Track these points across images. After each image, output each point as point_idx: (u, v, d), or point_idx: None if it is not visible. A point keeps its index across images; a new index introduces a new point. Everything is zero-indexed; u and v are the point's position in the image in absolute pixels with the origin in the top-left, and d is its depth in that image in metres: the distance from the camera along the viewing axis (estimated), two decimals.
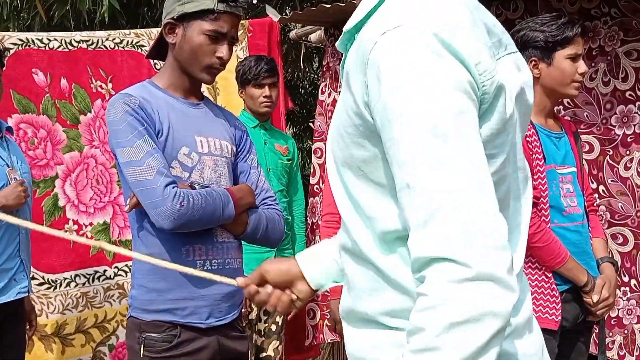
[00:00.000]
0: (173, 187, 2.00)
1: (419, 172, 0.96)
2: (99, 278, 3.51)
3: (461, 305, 0.90)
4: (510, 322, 1.05)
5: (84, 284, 3.47)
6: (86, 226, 3.47)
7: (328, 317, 3.71)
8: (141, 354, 2.09)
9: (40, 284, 3.33)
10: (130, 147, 2.03)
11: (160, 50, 2.27)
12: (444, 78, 0.99)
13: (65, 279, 3.42)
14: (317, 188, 4.13)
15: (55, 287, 3.38)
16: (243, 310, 2.38)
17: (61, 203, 3.39)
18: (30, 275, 3.23)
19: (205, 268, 2.12)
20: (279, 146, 3.54)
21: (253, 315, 3.43)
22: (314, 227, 4.02)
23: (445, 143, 0.95)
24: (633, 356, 3.27)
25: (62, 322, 3.38)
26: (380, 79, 1.02)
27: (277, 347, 3.53)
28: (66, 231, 3.38)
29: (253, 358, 3.48)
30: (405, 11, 1.07)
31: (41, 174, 3.33)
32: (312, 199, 4.07)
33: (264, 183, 2.31)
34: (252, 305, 3.39)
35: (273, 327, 3.52)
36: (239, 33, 3.79)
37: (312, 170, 4.22)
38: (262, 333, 3.52)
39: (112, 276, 3.53)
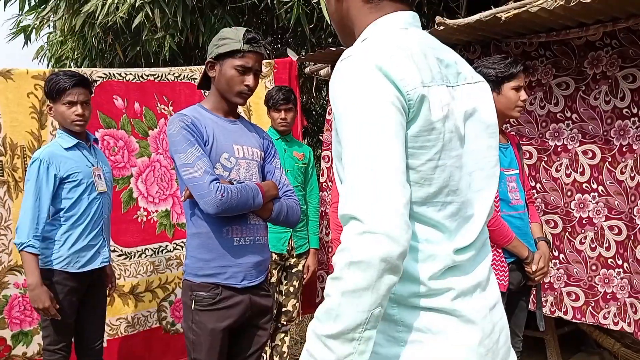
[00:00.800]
0: (216, 183, 2.00)
1: (348, 165, 1.01)
2: (162, 251, 3.51)
3: (357, 250, 0.95)
4: (455, 286, 1.08)
5: (151, 255, 3.47)
6: (153, 212, 3.47)
7: None
8: (192, 307, 2.09)
9: (120, 255, 3.33)
10: (185, 153, 2.03)
11: (206, 82, 2.27)
12: (375, 94, 1.03)
13: (137, 251, 3.42)
14: (325, 185, 4.12)
15: (131, 258, 3.39)
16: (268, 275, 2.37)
17: (135, 195, 3.39)
18: (112, 249, 3.26)
19: (240, 243, 2.12)
20: (297, 153, 3.53)
21: (274, 280, 3.43)
22: (322, 214, 4.01)
23: (363, 148, 1.00)
24: (561, 311, 3.28)
25: (136, 284, 3.39)
26: (333, 96, 1.08)
27: (295, 304, 3.53)
28: (138, 216, 3.40)
29: (276, 312, 3.48)
30: (360, 47, 1.10)
31: (120, 174, 3.34)
32: (321, 193, 4.07)
33: (285, 180, 2.31)
34: (273, 271, 3.39)
35: (291, 289, 3.51)
36: (267, 69, 3.82)
37: (321, 172, 4.21)
38: (283, 293, 3.51)
39: (171, 250, 3.54)
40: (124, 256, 3.36)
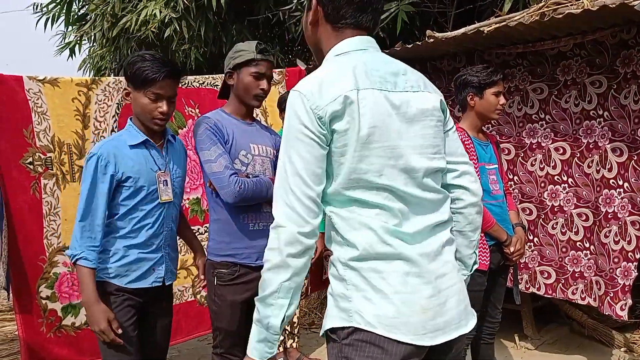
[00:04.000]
0: (235, 177, 2.02)
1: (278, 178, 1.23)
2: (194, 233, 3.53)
3: (270, 240, 1.19)
4: (406, 254, 1.16)
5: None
6: (185, 200, 3.48)
7: None
8: (215, 283, 2.12)
9: None
10: (208, 151, 2.05)
11: (225, 90, 2.29)
12: (297, 120, 1.17)
13: None
14: None
15: None
16: None
17: None
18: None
19: (255, 228, 2.13)
20: None
21: None
22: None
23: (288, 165, 1.21)
24: (535, 287, 3.29)
25: None
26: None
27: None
28: None
29: None
30: (305, 79, 1.22)
31: None
32: None
33: None
34: None
35: None
36: (279, 77, 3.82)
37: None
38: None
39: (202, 232, 3.54)
40: None
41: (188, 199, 3.48)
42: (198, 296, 3.48)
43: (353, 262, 1.16)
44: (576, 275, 3.14)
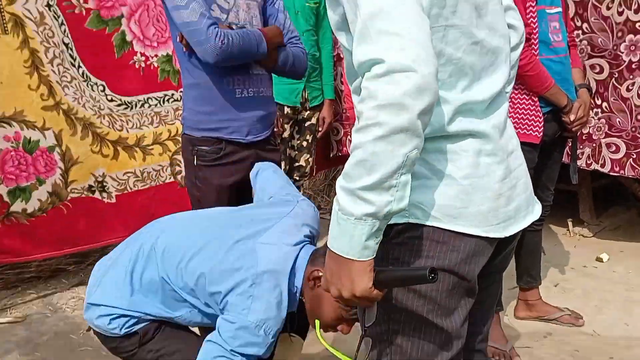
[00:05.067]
0: (215, 28, 1.93)
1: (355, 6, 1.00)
2: (168, 100, 3.48)
3: (384, 92, 0.93)
4: (469, 128, 1.12)
5: (155, 105, 3.45)
6: (152, 57, 3.40)
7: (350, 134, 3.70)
8: (195, 162, 2.12)
9: (119, 105, 3.31)
10: None
11: None
12: None
13: (139, 101, 3.40)
14: None
15: (132, 107, 3.37)
16: (276, 129, 2.36)
17: (128, 38, 3.28)
18: (109, 98, 3.23)
19: (243, 95, 2.09)
20: None
21: (286, 135, 3.43)
22: (337, 58, 3.91)
23: None
24: (598, 164, 3.30)
25: (141, 135, 3.41)
26: None
27: (308, 159, 3.56)
28: (135, 62, 3.33)
29: (288, 167, 3.53)
30: None
31: (109, 14, 3.20)
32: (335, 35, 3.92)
33: (290, 25, 2.22)
34: (285, 126, 3.39)
35: (304, 143, 3.53)
36: None
37: None
38: (295, 147, 3.54)
39: (179, 99, 3.50)
40: (124, 106, 3.34)
41: (155, 56, 3.40)
42: (179, 177, 3.53)
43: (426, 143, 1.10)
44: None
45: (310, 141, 3.54)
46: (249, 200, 2.20)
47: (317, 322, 1.59)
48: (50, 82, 3.05)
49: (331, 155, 4.07)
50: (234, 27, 2.03)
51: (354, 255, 1.02)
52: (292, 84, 3.25)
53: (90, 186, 3.25)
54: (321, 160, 4.01)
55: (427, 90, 0.93)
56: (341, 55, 3.88)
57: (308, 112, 3.48)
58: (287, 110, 3.37)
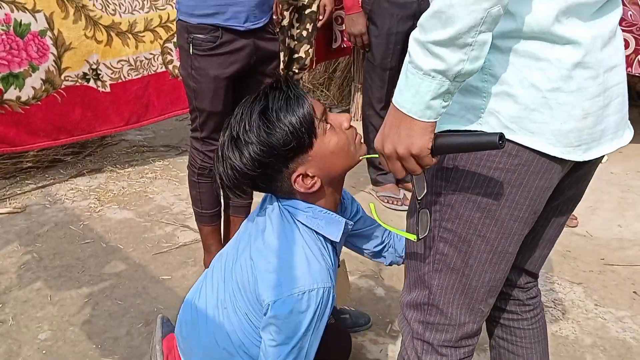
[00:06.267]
0: None
1: None
2: None
3: None
4: (565, 33, 0.99)
5: None
6: None
7: None
8: (191, 52, 2.03)
9: None
10: None
11: None
12: None
13: None
14: None
15: None
16: (275, 17, 2.24)
17: None
18: None
19: None
20: None
21: (285, 22, 3.28)
22: None
23: None
24: None
25: (133, 21, 3.27)
26: None
27: (308, 49, 3.43)
28: None
29: (286, 59, 3.41)
30: None
31: None
32: None
33: None
34: (284, 13, 3.23)
35: (304, 33, 3.38)
36: None
37: None
38: (295, 37, 3.40)
39: None
40: None
41: None
42: (170, 66, 3.44)
43: (504, 40, 1.01)
44: None
45: (310, 30, 3.39)
46: (247, 92, 2.12)
47: (371, 205, 1.36)
48: None
49: (333, 47, 3.94)
50: None
51: (415, 114, 0.96)
52: None
53: (85, 74, 3.16)
54: (322, 52, 3.89)
55: None
56: None
57: None
58: None
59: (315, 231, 1.35)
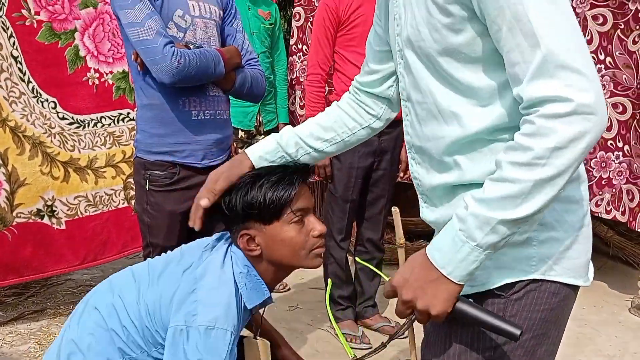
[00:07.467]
0: (171, 47, 1.86)
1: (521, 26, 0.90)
2: (123, 119, 3.35)
3: (564, 134, 0.87)
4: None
5: (109, 124, 3.31)
6: (107, 74, 3.28)
7: None
8: (147, 187, 2.02)
9: (71, 124, 3.17)
10: (132, 10, 1.85)
11: None
12: None
13: (92, 119, 3.26)
14: (295, 48, 3.88)
15: (84, 127, 3.23)
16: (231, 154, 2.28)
17: (82, 54, 3.16)
18: (61, 116, 3.08)
19: (199, 118, 2.01)
20: (262, 12, 3.30)
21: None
22: (293, 82, 3.85)
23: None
24: (619, 211, 3.15)
25: (93, 157, 3.26)
26: None
27: None
28: (89, 79, 3.19)
29: None
30: None
31: (61, 27, 3.08)
32: (291, 58, 3.87)
33: (248, 46, 2.16)
34: (240, 150, 3.29)
35: None
36: None
37: (291, 33, 3.95)
38: None
39: (135, 118, 3.36)
40: (77, 124, 3.20)
41: (111, 72, 3.27)
42: (133, 201, 3.38)
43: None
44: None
45: None
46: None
47: (329, 283, 1.58)
48: None
49: None
50: (191, 46, 1.95)
51: (455, 277, 0.96)
52: (246, 107, 3.19)
53: (39, 210, 3.06)
54: None
55: (600, 134, 0.91)
56: (293, 83, 3.79)
57: (262, 136, 3.40)
58: (241, 134, 3.29)
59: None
